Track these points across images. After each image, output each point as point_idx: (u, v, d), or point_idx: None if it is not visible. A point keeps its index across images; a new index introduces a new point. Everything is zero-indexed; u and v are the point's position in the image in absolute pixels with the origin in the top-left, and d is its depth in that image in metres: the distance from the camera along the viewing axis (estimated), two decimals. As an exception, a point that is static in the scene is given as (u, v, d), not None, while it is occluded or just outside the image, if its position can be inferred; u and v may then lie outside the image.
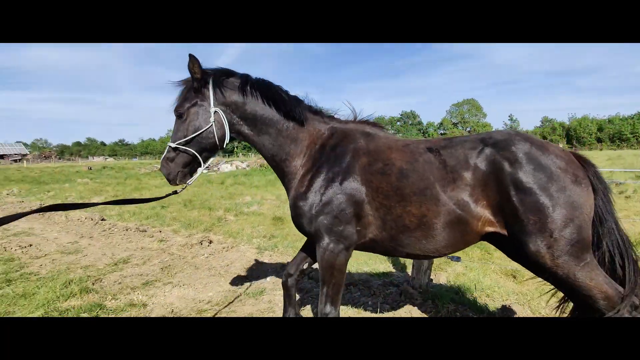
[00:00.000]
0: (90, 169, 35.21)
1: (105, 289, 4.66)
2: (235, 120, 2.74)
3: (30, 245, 6.87)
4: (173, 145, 2.68)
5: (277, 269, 5.32)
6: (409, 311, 4.00)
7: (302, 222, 2.61)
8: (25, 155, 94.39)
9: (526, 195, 2.16)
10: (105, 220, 9.19)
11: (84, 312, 3.93)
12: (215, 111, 2.66)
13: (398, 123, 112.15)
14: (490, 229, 2.35)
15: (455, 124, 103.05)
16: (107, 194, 14.55)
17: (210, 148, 2.74)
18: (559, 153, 2.28)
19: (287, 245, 6.45)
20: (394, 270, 5.35)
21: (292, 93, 2.85)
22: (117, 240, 7.28)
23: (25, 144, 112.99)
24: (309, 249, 3.07)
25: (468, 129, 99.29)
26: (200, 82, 2.65)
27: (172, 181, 2.76)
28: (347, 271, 4.57)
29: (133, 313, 3.96)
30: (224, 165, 29.91)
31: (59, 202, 12.91)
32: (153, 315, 3.95)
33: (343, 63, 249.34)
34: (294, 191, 2.68)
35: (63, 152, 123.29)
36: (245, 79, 2.73)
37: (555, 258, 2.16)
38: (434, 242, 2.44)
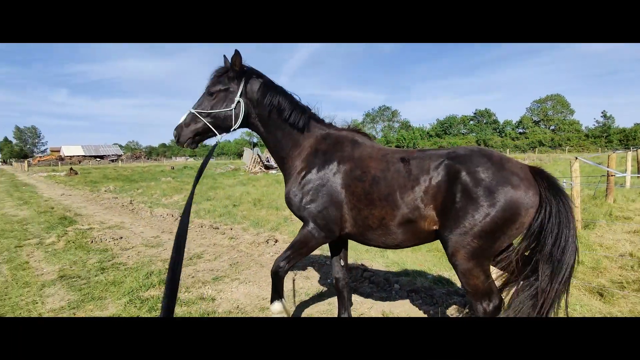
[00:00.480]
0: (173, 168, 38.46)
1: (180, 282, 5.05)
2: (253, 114, 3.18)
3: (121, 237, 7.70)
4: (194, 111, 3.06)
5: (339, 272, 5.34)
6: (475, 324, 3.78)
7: (293, 210, 3.14)
8: (120, 155, 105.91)
9: (466, 203, 2.48)
10: (183, 217, 9.95)
11: (160, 302, 4.30)
12: (239, 101, 3.08)
13: (471, 122, 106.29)
14: (435, 227, 2.71)
15: (536, 122, 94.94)
16: (187, 192, 15.74)
17: (223, 127, 3.14)
18: (514, 169, 2.53)
19: (351, 248, 6.45)
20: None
21: (304, 102, 3.31)
22: (193, 236, 7.86)
23: (120, 146, 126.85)
24: (336, 251, 3.51)
25: (552, 127, 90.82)
26: (237, 73, 3.08)
27: (180, 143, 3.13)
28: (412, 276, 4.43)
29: (202, 306, 4.25)
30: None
31: (146, 198, 14.28)
32: (220, 310, 4.20)
33: (413, 61, 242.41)
34: (289, 186, 3.15)
35: (151, 152, 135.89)
36: (269, 83, 3.17)
37: (463, 257, 2.54)
38: (392, 239, 2.87)
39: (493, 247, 2.54)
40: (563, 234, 2.42)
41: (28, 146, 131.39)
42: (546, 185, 2.49)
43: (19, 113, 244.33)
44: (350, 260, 5.80)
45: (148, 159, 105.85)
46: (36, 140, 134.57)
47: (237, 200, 12.65)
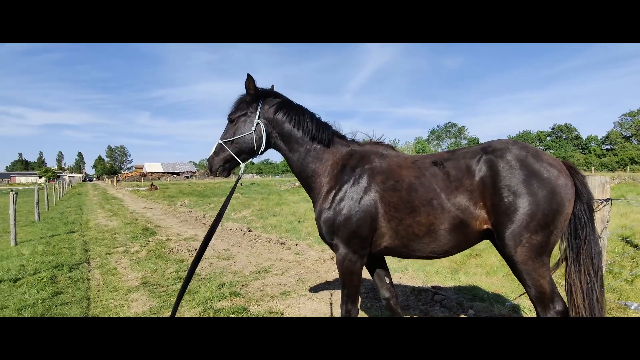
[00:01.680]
0: (242, 185, 40.30)
1: (250, 295, 5.19)
2: (273, 134, 3.16)
3: (195, 249, 8.15)
4: (221, 142, 3.16)
5: (407, 292, 5.13)
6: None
7: (325, 234, 2.95)
8: (194, 172, 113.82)
9: (516, 197, 2.44)
10: (251, 231, 10.32)
11: (232, 314, 4.43)
12: (258, 123, 3.10)
13: (548, 138, 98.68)
14: (486, 226, 2.61)
15: (627, 138, 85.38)
16: (254, 208, 16.36)
17: (248, 151, 3.18)
18: (552, 161, 2.54)
19: (418, 269, 6.19)
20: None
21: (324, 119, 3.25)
22: (260, 250, 8.08)
23: (194, 163, 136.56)
24: (374, 269, 3.38)
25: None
26: (252, 97, 3.12)
27: (212, 172, 3.22)
28: (489, 302, 4.12)
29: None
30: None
31: (217, 212, 15.06)
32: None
33: (479, 75, 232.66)
34: (319, 206, 3.00)
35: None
36: (286, 103, 3.16)
37: (524, 255, 2.45)
38: (442, 245, 2.73)
39: (550, 242, 2.48)
40: (590, 216, 2.58)
41: (117, 163, 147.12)
42: (580, 179, 2.56)
43: (110, 134, 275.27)
44: (419, 283, 5.56)
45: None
46: (124, 158, 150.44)
47: (302, 216, 12.85)
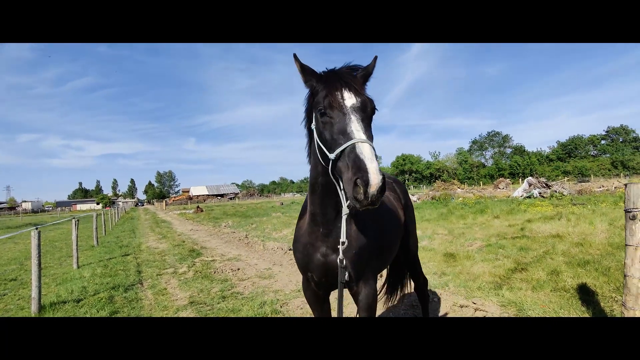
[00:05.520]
0: (282, 204, 41.10)
1: (290, 312, 5.33)
2: None
3: (238, 269, 8.46)
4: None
5: (447, 309, 5.05)
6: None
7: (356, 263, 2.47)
8: (237, 193, 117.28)
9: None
10: (291, 250, 10.52)
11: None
12: None
13: (603, 142, 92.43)
14: None
15: (694, 136, 78.30)
16: (294, 226, 16.60)
17: None
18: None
19: (459, 285, 6.06)
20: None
21: None
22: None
23: (237, 184, 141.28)
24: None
25: None
26: None
27: (381, 193, 2.60)
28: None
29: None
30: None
31: (259, 232, 15.47)
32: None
33: (522, 81, 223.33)
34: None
35: (262, 190, 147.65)
36: None
37: None
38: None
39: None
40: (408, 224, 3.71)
41: (166, 188, 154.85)
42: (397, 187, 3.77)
43: (160, 160, 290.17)
44: (460, 299, 5.44)
45: (260, 195, 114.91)
46: (172, 183, 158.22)
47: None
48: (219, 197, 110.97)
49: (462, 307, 5.08)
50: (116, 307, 5.88)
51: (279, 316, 5.13)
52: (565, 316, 4.59)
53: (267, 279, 7.52)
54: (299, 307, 5.57)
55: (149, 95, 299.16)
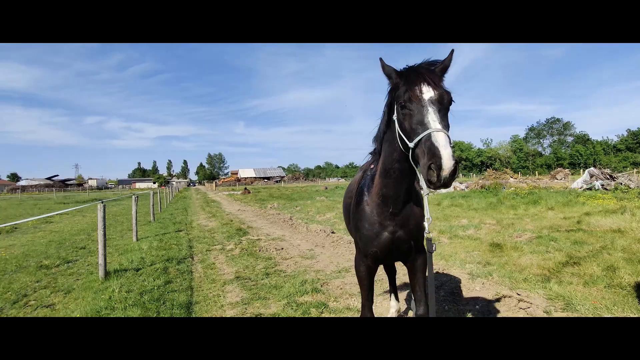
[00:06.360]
0: (326, 188, 41.43)
1: (330, 292, 5.49)
2: None
3: (282, 248, 8.77)
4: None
5: (489, 298, 4.96)
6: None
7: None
8: (283, 177, 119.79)
9: None
10: (334, 233, 10.69)
11: (312, 308, 4.76)
12: None
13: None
14: None
15: None
16: (338, 210, 16.80)
17: None
18: None
19: (504, 275, 5.89)
20: None
21: None
22: (342, 251, 8.38)
23: (283, 168, 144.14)
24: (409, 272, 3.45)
25: None
26: None
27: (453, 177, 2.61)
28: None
29: (348, 315, 4.53)
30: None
31: (303, 215, 15.81)
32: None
33: (588, 64, 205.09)
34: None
35: (308, 174, 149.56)
36: None
37: None
38: None
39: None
40: None
41: (216, 169, 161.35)
42: None
43: (211, 143, 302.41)
44: (504, 290, 5.30)
45: (305, 179, 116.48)
46: (221, 165, 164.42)
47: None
48: (266, 180, 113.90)
49: (504, 297, 4.96)
50: (170, 277, 6.36)
51: (280, 316, 5.29)
52: (581, 317, 4.35)
53: (309, 259, 7.74)
54: (339, 287, 5.72)
55: (201, 80, 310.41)
